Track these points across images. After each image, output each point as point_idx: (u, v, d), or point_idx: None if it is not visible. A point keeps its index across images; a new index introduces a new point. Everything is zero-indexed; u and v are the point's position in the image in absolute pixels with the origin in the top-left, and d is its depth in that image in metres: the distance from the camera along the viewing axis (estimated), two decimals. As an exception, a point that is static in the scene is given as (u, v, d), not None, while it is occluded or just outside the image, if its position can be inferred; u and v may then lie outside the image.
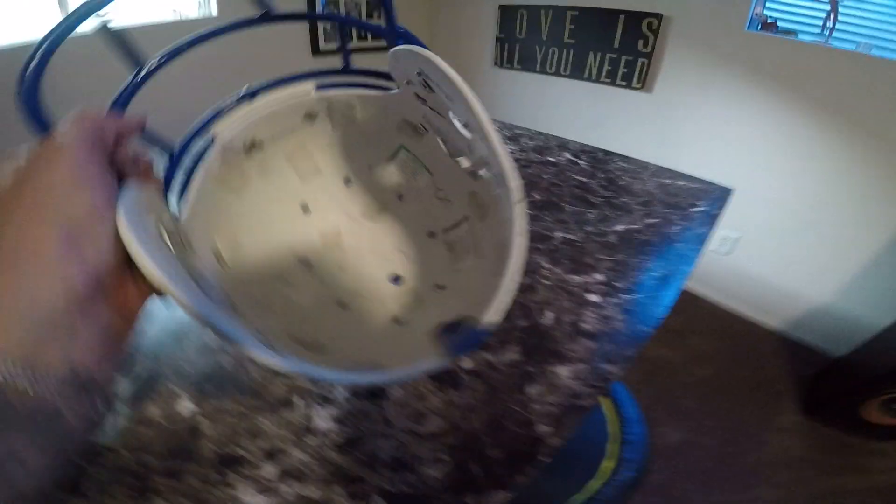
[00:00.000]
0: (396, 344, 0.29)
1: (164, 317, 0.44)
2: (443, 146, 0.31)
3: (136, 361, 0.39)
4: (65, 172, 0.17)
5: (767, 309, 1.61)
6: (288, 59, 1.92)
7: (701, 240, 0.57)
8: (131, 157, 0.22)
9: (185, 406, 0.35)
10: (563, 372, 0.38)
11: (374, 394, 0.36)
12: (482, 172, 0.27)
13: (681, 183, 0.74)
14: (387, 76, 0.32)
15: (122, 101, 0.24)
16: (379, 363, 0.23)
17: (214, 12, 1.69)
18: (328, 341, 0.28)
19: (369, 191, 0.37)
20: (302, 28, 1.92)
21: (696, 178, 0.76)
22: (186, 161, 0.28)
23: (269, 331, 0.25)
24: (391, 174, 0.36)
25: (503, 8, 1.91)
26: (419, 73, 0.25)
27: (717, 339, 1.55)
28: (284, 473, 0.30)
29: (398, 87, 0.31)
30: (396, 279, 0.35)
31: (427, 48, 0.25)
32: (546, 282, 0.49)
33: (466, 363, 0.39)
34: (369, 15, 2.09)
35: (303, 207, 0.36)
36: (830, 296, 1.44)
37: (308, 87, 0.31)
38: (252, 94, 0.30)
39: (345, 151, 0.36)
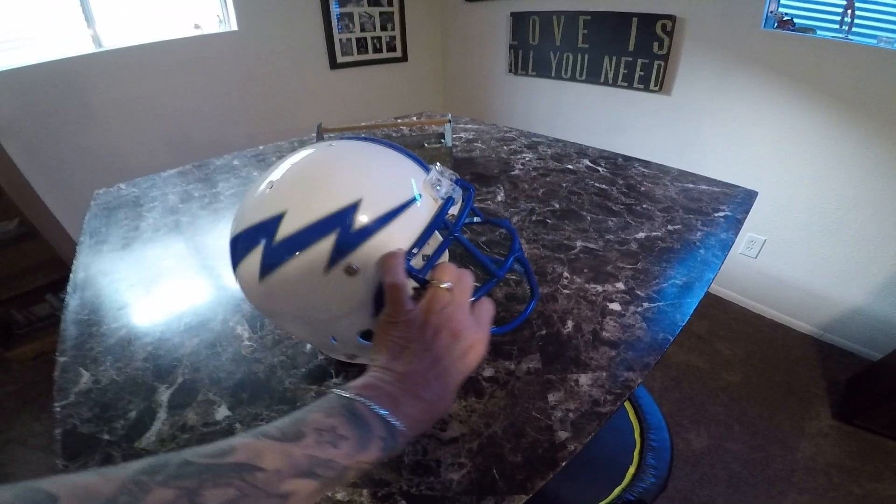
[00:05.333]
0: None
1: (199, 327, 0.46)
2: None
3: (177, 372, 0.41)
4: None
5: (797, 312, 1.56)
6: (305, 72, 1.99)
7: (726, 246, 0.56)
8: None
9: (222, 412, 0.37)
10: (584, 380, 0.38)
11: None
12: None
13: (703, 187, 0.74)
14: None
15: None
16: None
17: (234, 27, 1.76)
18: None
19: None
20: (319, 41, 1.97)
21: (718, 182, 0.75)
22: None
23: None
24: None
25: (515, 15, 1.92)
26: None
27: (745, 343, 1.51)
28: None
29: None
30: None
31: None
32: (566, 291, 0.49)
33: (487, 371, 0.39)
34: (383, 28, 2.14)
35: None
36: (864, 297, 1.39)
37: None
38: None
39: None
